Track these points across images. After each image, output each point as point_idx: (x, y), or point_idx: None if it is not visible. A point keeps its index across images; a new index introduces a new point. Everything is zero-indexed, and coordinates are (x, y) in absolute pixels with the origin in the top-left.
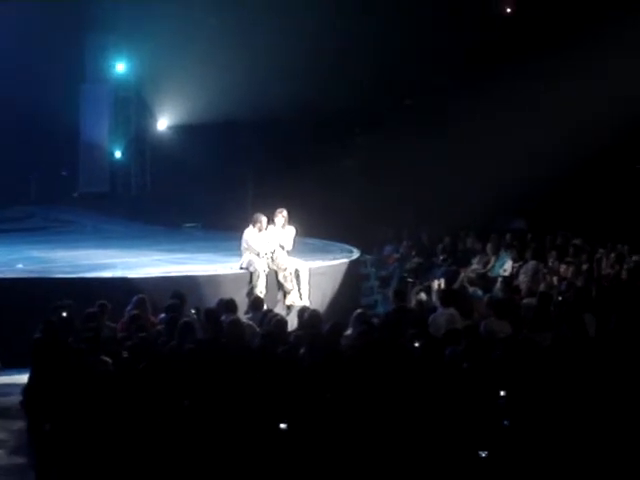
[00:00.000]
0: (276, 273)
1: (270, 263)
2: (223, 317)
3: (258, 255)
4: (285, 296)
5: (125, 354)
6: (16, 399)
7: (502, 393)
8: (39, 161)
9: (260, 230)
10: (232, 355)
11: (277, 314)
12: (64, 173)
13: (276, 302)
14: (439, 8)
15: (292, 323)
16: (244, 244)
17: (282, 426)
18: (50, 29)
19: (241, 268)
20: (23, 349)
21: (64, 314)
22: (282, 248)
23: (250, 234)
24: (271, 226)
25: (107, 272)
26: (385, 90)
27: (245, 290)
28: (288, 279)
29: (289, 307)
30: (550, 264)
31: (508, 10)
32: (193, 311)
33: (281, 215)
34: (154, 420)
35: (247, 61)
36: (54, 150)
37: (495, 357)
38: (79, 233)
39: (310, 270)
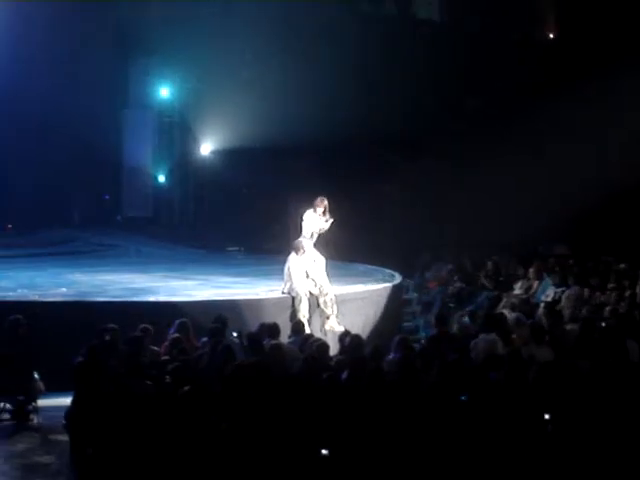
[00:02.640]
0: (317, 298)
1: (312, 288)
2: (265, 341)
3: (311, 236)
4: (325, 321)
5: (167, 378)
6: (59, 422)
7: (546, 416)
8: (83, 185)
9: (300, 255)
10: (273, 379)
11: (318, 339)
12: (107, 197)
13: (316, 327)
14: (481, 34)
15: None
16: (286, 269)
17: (323, 452)
18: (95, 54)
19: (283, 293)
20: (66, 373)
21: (107, 338)
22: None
23: (292, 260)
24: (310, 211)
25: (150, 296)
26: (426, 116)
27: (287, 314)
28: (328, 304)
29: (328, 332)
30: (592, 290)
31: (551, 36)
32: (234, 334)
33: (322, 204)
34: (195, 444)
35: (291, 86)
36: (98, 174)
37: (536, 383)
38: (122, 257)
39: (352, 295)
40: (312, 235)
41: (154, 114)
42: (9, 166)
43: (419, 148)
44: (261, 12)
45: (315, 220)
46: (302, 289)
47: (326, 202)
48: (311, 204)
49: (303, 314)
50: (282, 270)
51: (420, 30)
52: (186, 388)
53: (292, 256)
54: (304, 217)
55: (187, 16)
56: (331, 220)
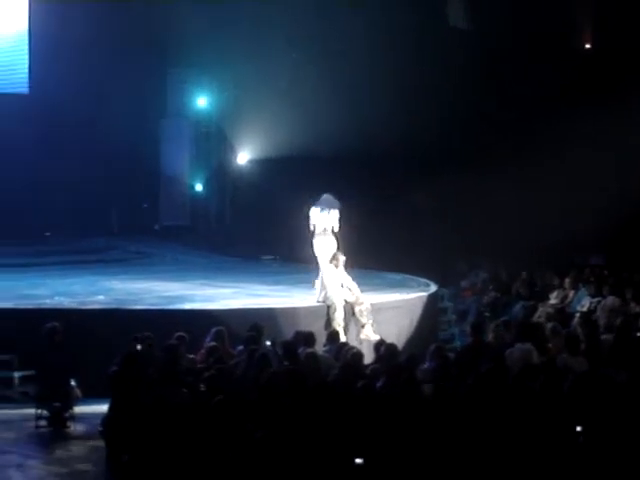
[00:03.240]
0: (352, 307)
1: (347, 297)
2: (300, 349)
3: (314, 229)
4: (360, 330)
5: (202, 387)
6: (95, 429)
7: (578, 429)
8: (121, 193)
9: (336, 267)
10: (309, 388)
11: (353, 347)
12: (145, 206)
13: (352, 335)
14: (517, 45)
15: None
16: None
17: (357, 461)
18: (133, 64)
19: (318, 301)
20: (103, 380)
21: (143, 346)
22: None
23: (314, 213)
24: (315, 209)
25: (186, 304)
26: (463, 127)
27: (322, 323)
28: (364, 313)
29: (363, 341)
30: (628, 300)
31: (587, 46)
32: (268, 343)
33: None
34: (230, 452)
35: (329, 95)
36: (136, 183)
37: (571, 393)
38: (159, 265)
39: (387, 304)
40: (324, 230)
41: (191, 123)
42: (48, 174)
43: (453, 157)
44: (298, 22)
45: (321, 216)
46: (337, 298)
47: (343, 258)
48: (346, 212)
49: (338, 323)
50: (317, 279)
51: (453, 38)
52: (221, 396)
53: (327, 265)
54: (310, 215)
55: (224, 26)
56: (337, 214)
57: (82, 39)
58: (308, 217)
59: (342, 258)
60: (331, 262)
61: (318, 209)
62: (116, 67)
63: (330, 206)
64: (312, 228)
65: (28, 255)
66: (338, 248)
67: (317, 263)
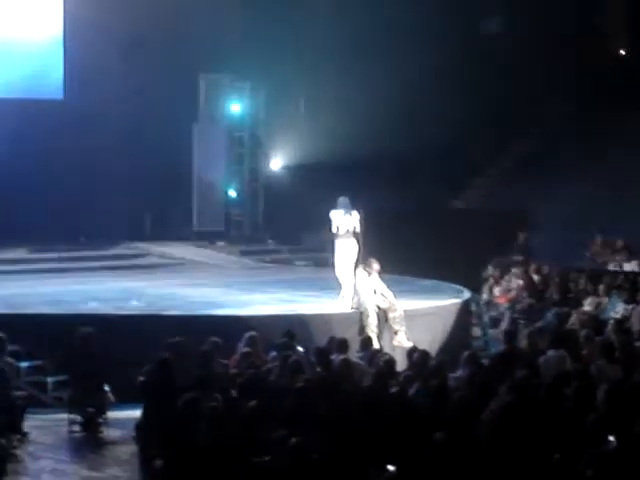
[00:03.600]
0: (385, 313)
1: (380, 303)
2: (333, 356)
3: (337, 231)
4: (393, 337)
5: (234, 393)
6: (128, 434)
7: (611, 438)
8: (154, 199)
9: (369, 274)
10: (342, 394)
11: (386, 354)
12: (178, 211)
13: (385, 342)
14: (549, 50)
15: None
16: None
17: (390, 468)
18: (167, 70)
19: (351, 308)
20: (136, 385)
21: (176, 351)
22: (354, 233)
23: (360, 276)
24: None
25: (219, 310)
26: (497, 132)
27: (355, 329)
28: (397, 320)
29: (396, 347)
30: None
31: (622, 52)
32: (301, 349)
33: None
34: (265, 458)
35: (362, 101)
36: (169, 188)
37: (605, 400)
38: (192, 270)
39: (420, 310)
40: (347, 232)
41: (225, 129)
42: (82, 179)
43: (489, 163)
44: (334, 29)
45: (344, 219)
46: (370, 304)
47: (377, 266)
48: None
49: (371, 329)
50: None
51: (486, 46)
52: (254, 402)
53: (360, 271)
54: (331, 217)
55: (258, 32)
56: (358, 215)
57: (116, 45)
58: (329, 220)
59: (376, 266)
60: (364, 269)
61: (340, 211)
62: (150, 73)
63: (350, 208)
64: (335, 230)
65: (62, 260)
66: (360, 250)
67: (334, 265)
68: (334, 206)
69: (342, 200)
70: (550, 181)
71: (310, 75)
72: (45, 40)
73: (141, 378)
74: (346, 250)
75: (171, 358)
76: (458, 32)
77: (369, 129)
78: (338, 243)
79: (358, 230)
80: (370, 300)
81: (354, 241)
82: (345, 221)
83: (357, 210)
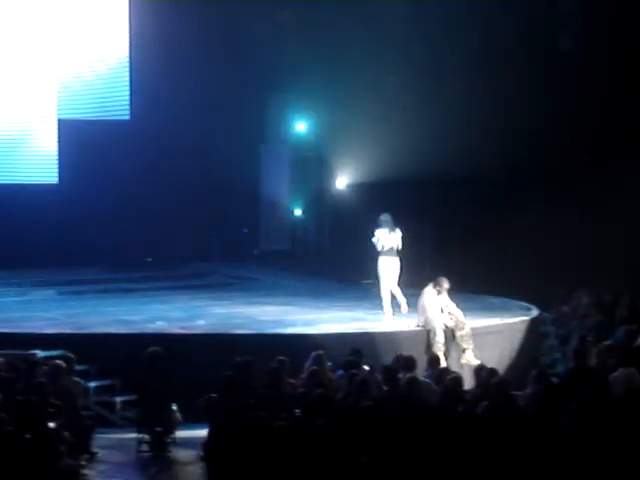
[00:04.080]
0: (452, 331)
1: (447, 321)
2: (400, 374)
3: (382, 249)
4: (461, 354)
5: (298, 412)
6: (196, 454)
7: None
8: (221, 218)
9: (439, 293)
10: (410, 413)
11: (453, 372)
12: (245, 231)
13: (453, 360)
14: (613, 61)
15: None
16: (421, 302)
17: None
18: (233, 90)
19: (417, 326)
20: (203, 404)
21: (243, 370)
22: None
23: (428, 294)
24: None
25: (286, 328)
26: (562, 146)
27: (421, 348)
28: (465, 338)
29: (464, 365)
30: None
31: None
32: (367, 368)
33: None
34: (335, 477)
35: (427, 119)
36: (236, 208)
37: None
38: (259, 290)
39: (488, 328)
40: (391, 250)
41: (291, 148)
42: (148, 200)
43: (556, 179)
44: (396, 45)
45: (389, 237)
46: (437, 322)
47: (447, 285)
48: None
49: (438, 347)
50: (417, 303)
51: (556, 60)
52: (323, 421)
53: (428, 289)
54: (377, 235)
55: (323, 52)
56: (400, 234)
57: (182, 65)
58: (374, 237)
59: (446, 285)
60: (434, 287)
61: (385, 230)
62: (216, 93)
63: (393, 226)
64: (380, 248)
65: (130, 281)
66: (402, 267)
67: (378, 281)
68: (378, 224)
69: (385, 218)
70: (617, 196)
71: (375, 93)
72: (111, 61)
73: (207, 397)
74: (391, 267)
75: (237, 377)
76: (533, 48)
77: (434, 146)
78: (383, 260)
79: (400, 247)
80: (438, 318)
81: (398, 259)
82: (390, 239)
83: (399, 228)
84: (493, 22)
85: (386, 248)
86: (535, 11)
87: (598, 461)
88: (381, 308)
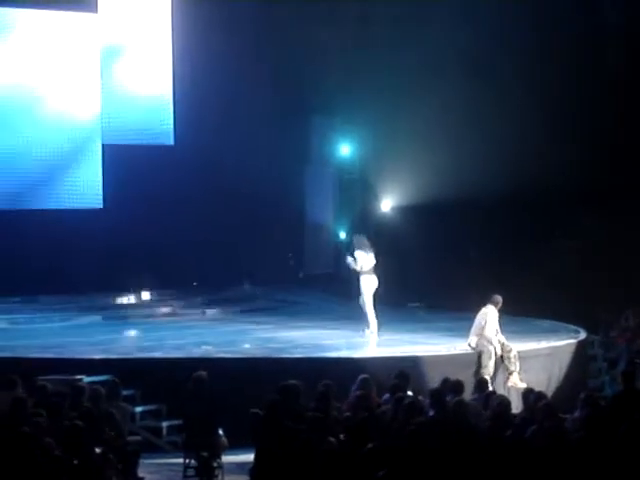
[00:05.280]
0: (500, 354)
1: (496, 345)
2: (448, 398)
3: (361, 269)
4: (508, 377)
5: (342, 436)
6: (242, 479)
7: None
8: (266, 242)
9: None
10: (457, 436)
11: (501, 395)
12: (290, 255)
13: (499, 383)
14: None
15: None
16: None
17: None
18: (277, 112)
19: (469, 345)
20: (248, 428)
21: (288, 394)
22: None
23: (492, 314)
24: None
25: (332, 352)
26: (608, 168)
27: (469, 371)
28: (512, 360)
29: (511, 389)
30: None
31: None
32: (410, 393)
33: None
34: None
35: (470, 140)
36: (281, 231)
37: None
38: (304, 313)
39: (535, 351)
40: (367, 267)
41: (335, 171)
42: (194, 224)
43: (600, 200)
44: (438, 67)
45: (367, 257)
46: (495, 343)
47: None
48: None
49: (489, 371)
50: (467, 326)
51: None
52: (372, 445)
53: (490, 309)
54: (355, 257)
55: (367, 74)
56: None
57: (227, 88)
58: (351, 259)
59: (500, 301)
60: (495, 306)
61: (362, 252)
62: (260, 116)
63: (369, 247)
64: (359, 269)
65: (176, 305)
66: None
67: (362, 301)
68: (355, 246)
69: (360, 239)
70: None
71: (419, 114)
72: (155, 87)
73: (253, 419)
74: (372, 285)
75: (283, 401)
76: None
77: (479, 167)
78: (365, 279)
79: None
80: (494, 341)
81: (376, 277)
82: (368, 259)
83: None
84: (543, 41)
85: (366, 268)
86: (581, 28)
87: None
88: (367, 325)
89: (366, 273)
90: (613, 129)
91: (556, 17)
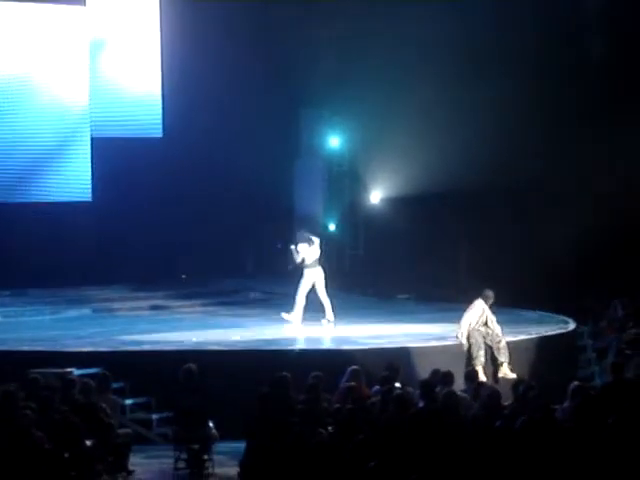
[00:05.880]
0: (490, 345)
1: (486, 336)
2: (438, 389)
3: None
4: (498, 368)
5: (331, 428)
6: (234, 471)
7: None
8: (255, 234)
9: (490, 307)
10: (447, 427)
11: (491, 386)
12: (279, 246)
13: (488, 374)
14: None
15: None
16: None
17: None
18: (267, 105)
19: (456, 338)
20: (239, 420)
21: (279, 386)
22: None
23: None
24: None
25: (320, 344)
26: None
27: (457, 362)
28: (501, 351)
29: (500, 380)
30: None
31: None
32: (398, 385)
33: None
34: None
35: (458, 131)
36: (270, 223)
37: None
38: (293, 305)
39: (525, 342)
40: (310, 260)
41: (324, 163)
42: (183, 217)
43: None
44: (429, 60)
45: (310, 250)
46: (481, 337)
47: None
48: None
49: (480, 362)
50: (456, 317)
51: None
52: (362, 436)
53: (478, 303)
54: (299, 250)
55: (356, 67)
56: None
57: (215, 81)
58: (297, 253)
59: (492, 298)
60: (485, 301)
61: (305, 244)
62: (250, 108)
63: (311, 240)
64: (301, 261)
65: (165, 298)
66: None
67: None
68: (297, 240)
69: (301, 234)
70: None
71: (408, 106)
72: (144, 79)
73: (245, 413)
74: (317, 277)
75: (274, 393)
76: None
77: (468, 159)
78: (309, 272)
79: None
80: (480, 332)
81: (321, 268)
82: (311, 252)
83: (317, 238)
84: (525, 32)
85: (309, 261)
86: (566, 20)
87: (637, 475)
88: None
89: (309, 266)
90: (593, 122)
91: (538, 15)
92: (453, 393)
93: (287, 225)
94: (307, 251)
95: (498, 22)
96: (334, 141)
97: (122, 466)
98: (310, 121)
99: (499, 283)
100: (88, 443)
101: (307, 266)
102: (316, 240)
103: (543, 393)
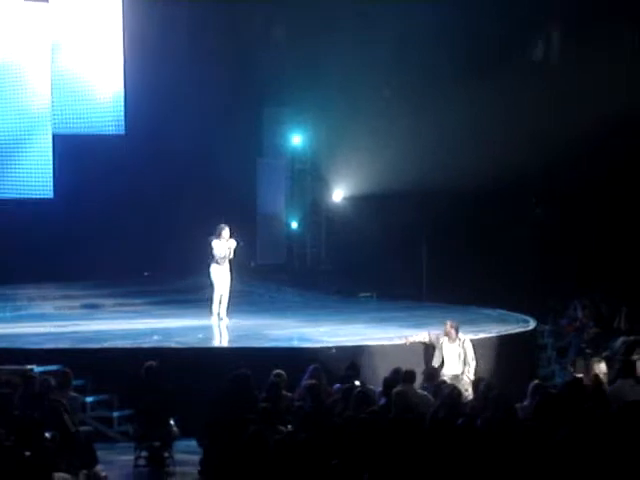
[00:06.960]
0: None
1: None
2: (398, 387)
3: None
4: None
5: (291, 426)
6: (194, 469)
7: None
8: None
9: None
10: (405, 425)
11: (451, 385)
12: (241, 244)
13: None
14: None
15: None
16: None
17: None
18: (228, 104)
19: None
20: (200, 418)
21: (240, 383)
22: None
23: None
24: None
25: (283, 342)
26: (563, 156)
27: (420, 360)
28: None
29: (459, 378)
30: None
31: None
32: (357, 383)
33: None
34: None
35: (420, 131)
36: (232, 222)
37: None
38: (255, 303)
39: (486, 340)
40: (224, 258)
41: (287, 162)
42: (145, 214)
43: (556, 192)
44: (390, 60)
45: (222, 246)
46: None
47: (227, 229)
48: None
49: (437, 361)
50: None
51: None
52: (320, 435)
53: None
54: (212, 245)
55: (319, 66)
56: (234, 243)
57: (178, 78)
58: (211, 247)
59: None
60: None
61: (218, 240)
62: (212, 107)
63: (227, 236)
64: (214, 257)
65: (126, 295)
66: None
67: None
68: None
69: (219, 227)
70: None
71: (370, 106)
72: (106, 75)
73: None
74: (222, 275)
75: (234, 391)
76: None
77: (430, 159)
78: (215, 268)
79: (232, 257)
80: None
81: (228, 268)
82: (223, 248)
83: (235, 239)
84: (482, 29)
85: (218, 257)
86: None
87: (595, 473)
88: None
89: (217, 263)
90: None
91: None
92: (404, 392)
93: (250, 223)
94: (219, 247)
95: (469, 21)
96: (297, 139)
97: (84, 464)
98: (273, 120)
99: (460, 282)
100: (49, 440)
101: (214, 262)
102: (226, 236)
103: (504, 391)
